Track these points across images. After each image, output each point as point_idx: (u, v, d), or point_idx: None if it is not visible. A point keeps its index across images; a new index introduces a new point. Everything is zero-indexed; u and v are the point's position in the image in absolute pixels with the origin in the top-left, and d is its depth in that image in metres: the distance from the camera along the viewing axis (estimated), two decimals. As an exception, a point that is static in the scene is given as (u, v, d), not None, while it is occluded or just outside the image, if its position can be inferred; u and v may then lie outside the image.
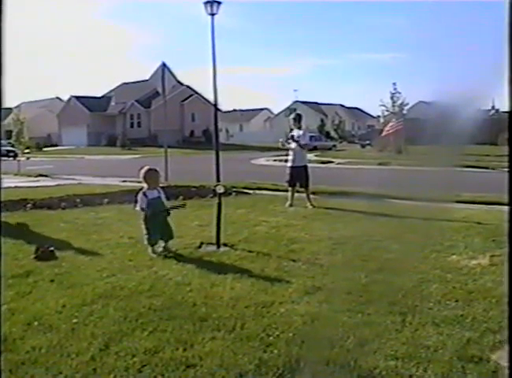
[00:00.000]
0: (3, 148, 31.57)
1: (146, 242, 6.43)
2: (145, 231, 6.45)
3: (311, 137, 15.86)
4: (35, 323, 4.09)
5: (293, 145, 10.68)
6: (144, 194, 6.46)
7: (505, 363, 3.07)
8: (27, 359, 3.45)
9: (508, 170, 1.97)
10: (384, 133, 29.94)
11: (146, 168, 6.68)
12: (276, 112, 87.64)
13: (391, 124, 30.37)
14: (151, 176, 6.56)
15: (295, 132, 10.83)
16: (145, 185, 6.54)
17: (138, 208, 6.52)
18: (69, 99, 65.85)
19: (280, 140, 11.37)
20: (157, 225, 6.41)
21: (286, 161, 11.36)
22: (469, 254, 6.11)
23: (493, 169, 20.45)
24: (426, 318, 4.07)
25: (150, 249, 6.37)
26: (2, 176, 17.58)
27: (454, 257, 6.03)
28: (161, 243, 6.48)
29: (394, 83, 35.98)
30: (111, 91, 67.88)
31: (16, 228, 8.10)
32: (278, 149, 12.88)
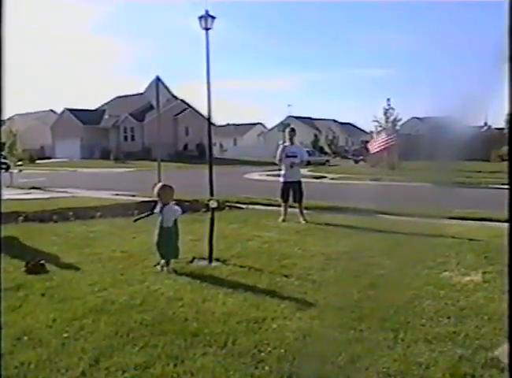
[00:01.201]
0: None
1: (163, 258, 6.34)
2: (163, 248, 6.37)
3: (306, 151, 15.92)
4: (25, 337, 4.06)
5: (287, 161, 10.72)
6: (163, 209, 6.42)
7: (505, 360, 3.05)
8: (16, 374, 3.41)
9: (508, 186, 1.97)
10: (371, 148, 29.97)
11: (160, 184, 6.71)
12: (269, 126, 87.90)
13: (377, 139, 30.43)
14: (166, 191, 6.54)
15: (287, 144, 10.91)
16: (159, 201, 6.50)
17: (171, 224, 6.39)
18: (63, 112, 65.76)
19: (277, 159, 11.14)
20: (173, 241, 6.40)
21: (279, 175, 11.37)
22: (462, 271, 6.11)
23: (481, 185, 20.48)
24: (418, 335, 4.07)
25: (162, 263, 6.30)
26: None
27: (446, 273, 6.03)
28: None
29: (388, 99, 36.09)
30: (105, 104, 67.90)
31: (7, 241, 8.04)
32: (271, 163, 12.88)
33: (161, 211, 6.41)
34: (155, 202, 6.60)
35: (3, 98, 1.99)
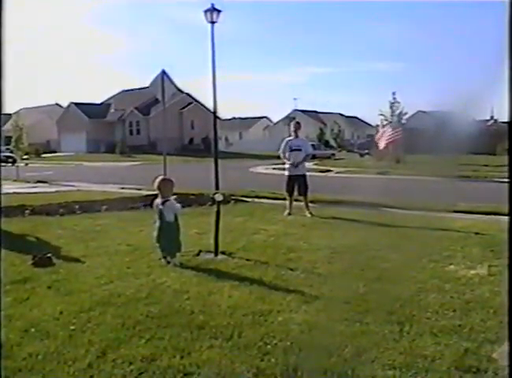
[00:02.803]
0: (2, 154, 31.63)
1: (163, 253, 6.36)
2: (165, 242, 6.38)
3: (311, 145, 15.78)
4: (32, 329, 4.08)
5: (288, 154, 10.72)
6: (164, 204, 6.43)
7: (505, 362, 3.06)
8: (24, 366, 3.44)
9: (508, 179, 1.97)
10: (378, 140, 29.86)
11: (160, 177, 6.72)
12: (275, 120, 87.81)
13: (382, 131, 30.33)
14: (166, 185, 6.55)
15: (292, 138, 10.88)
16: (159, 194, 6.50)
17: (172, 219, 6.41)
18: (69, 106, 65.84)
19: (281, 153, 11.14)
20: (175, 236, 6.42)
21: (284, 169, 11.36)
22: (467, 264, 6.11)
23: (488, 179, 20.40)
24: (424, 328, 4.07)
25: (167, 258, 6.32)
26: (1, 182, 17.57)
27: (452, 266, 6.03)
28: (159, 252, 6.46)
29: (393, 93, 35.90)
30: (110, 98, 67.90)
31: (14, 235, 8.08)
32: (277, 157, 12.87)
33: (162, 204, 6.43)
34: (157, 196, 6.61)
35: (3, 93, 1.99)
